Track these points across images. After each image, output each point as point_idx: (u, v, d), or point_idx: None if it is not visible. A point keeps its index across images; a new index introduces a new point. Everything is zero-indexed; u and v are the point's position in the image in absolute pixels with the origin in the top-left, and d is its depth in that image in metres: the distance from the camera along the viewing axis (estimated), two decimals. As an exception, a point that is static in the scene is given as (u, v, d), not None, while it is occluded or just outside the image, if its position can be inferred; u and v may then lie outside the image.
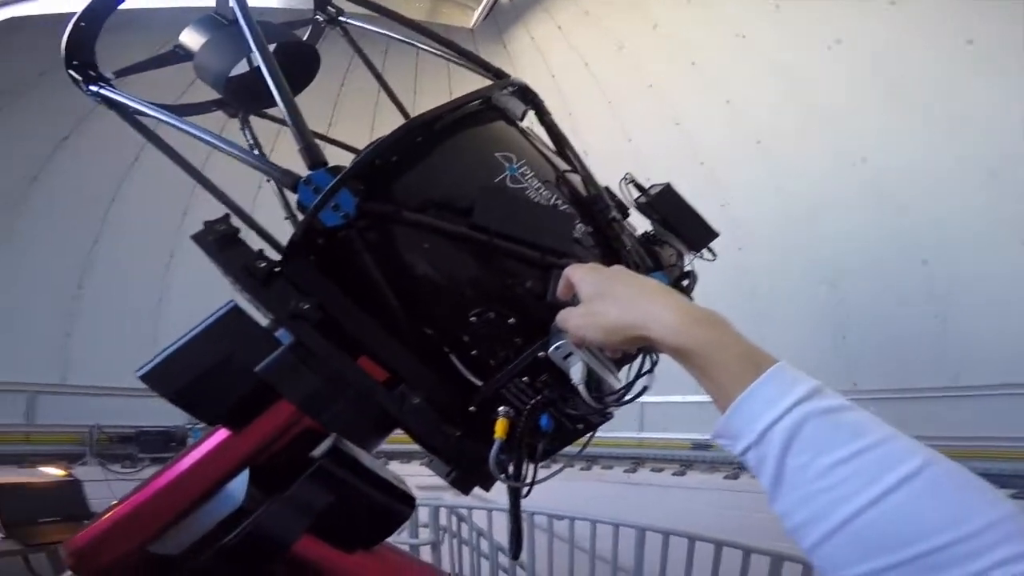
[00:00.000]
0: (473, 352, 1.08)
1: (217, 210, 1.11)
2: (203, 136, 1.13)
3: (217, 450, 1.12)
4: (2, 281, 6.76)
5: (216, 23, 1.43)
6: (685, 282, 1.37)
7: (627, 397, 0.98)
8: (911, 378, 6.00)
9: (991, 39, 4.90)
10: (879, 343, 6.29)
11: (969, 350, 5.59)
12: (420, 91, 7.70)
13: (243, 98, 1.49)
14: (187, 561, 1.00)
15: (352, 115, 7.16)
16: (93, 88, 1.32)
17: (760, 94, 6.59)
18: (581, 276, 0.90)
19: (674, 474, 6.88)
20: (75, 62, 1.36)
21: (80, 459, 7.02)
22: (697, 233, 1.40)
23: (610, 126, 7.66)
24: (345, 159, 1.11)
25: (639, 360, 1.05)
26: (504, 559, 5.12)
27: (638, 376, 1.03)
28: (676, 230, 1.38)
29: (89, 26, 1.35)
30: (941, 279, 5.72)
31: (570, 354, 0.93)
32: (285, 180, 1.04)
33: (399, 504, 1.14)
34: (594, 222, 1.17)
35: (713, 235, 1.43)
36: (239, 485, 1.07)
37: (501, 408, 1.00)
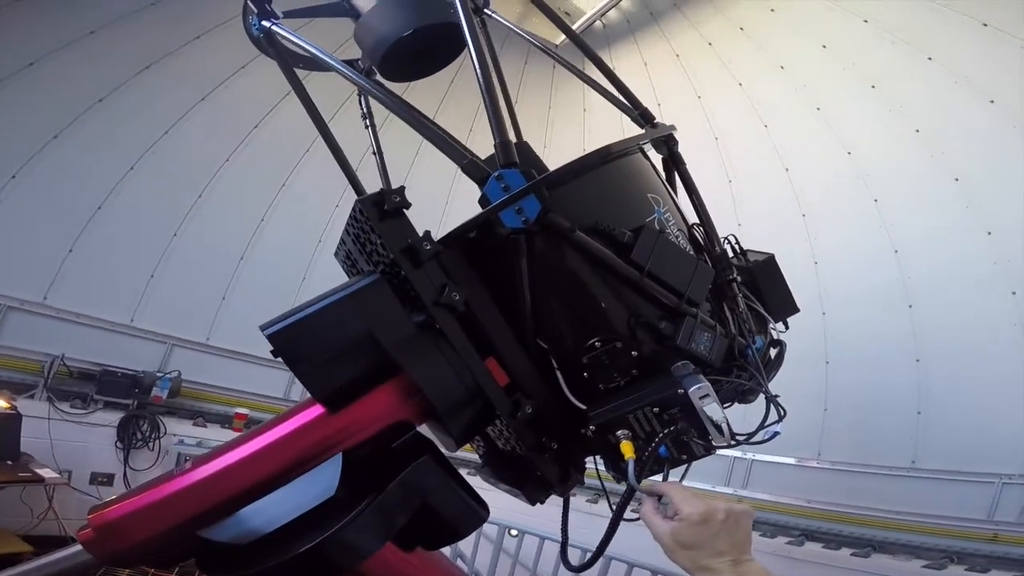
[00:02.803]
0: (585, 374, 1.10)
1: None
2: (371, 90, 1.11)
3: (307, 427, 1.06)
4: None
5: None
6: (774, 350, 1.41)
7: (757, 439, 1.08)
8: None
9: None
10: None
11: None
12: (554, 107, 7.72)
13: (391, 66, 1.46)
14: (255, 556, 0.91)
15: (456, 109, 6.90)
16: (265, 23, 1.30)
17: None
18: (689, 515, 0.91)
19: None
20: None
21: (30, 391, 6.32)
22: (783, 305, 1.48)
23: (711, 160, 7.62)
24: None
25: (766, 409, 1.12)
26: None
27: (763, 424, 1.11)
28: (764, 298, 1.43)
29: None
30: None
31: (706, 395, 0.98)
32: (473, 171, 1.02)
33: (480, 508, 1.10)
34: (716, 278, 1.21)
35: (795, 310, 1.52)
36: (329, 472, 1.01)
37: (620, 431, 1.02)
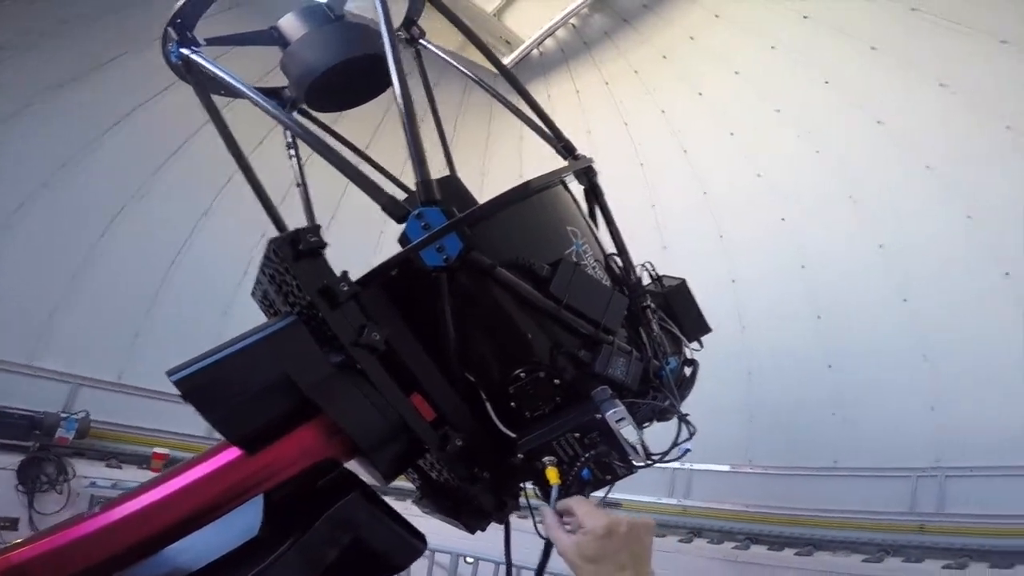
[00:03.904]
0: (512, 404, 1.13)
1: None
2: (291, 125, 1.11)
3: (224, 470, 1.03)
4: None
5: (323, 16, 1.41)
6: (688, 369, 1.50)
7: (670, 457, 1.13)
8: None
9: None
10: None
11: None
12: (492, 134, 7.76)
13: (317, 96, 1.45)
14: None
15: (393, 135, 6.73)
16: (184, 51, 1.26)
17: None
18: (593, 528, 0.92)
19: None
20: (179, 20, 1.33)
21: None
22: (696, 326, 1.58)
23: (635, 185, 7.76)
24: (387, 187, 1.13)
25: (678, 428, 1.19)
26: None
27: (675, 442, 1.18)
28: (679, 320, 1.54)
29: None
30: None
31: (622, 419, 1.04)
32: (393, 209, 1.03)
33: (416, 541, 1.09)
34: (631, 305, 1.27)
35: (708, 330, 1.62)
36: (251, 512, 0.98)
37: (546, 458, 1.06)
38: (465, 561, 5.05)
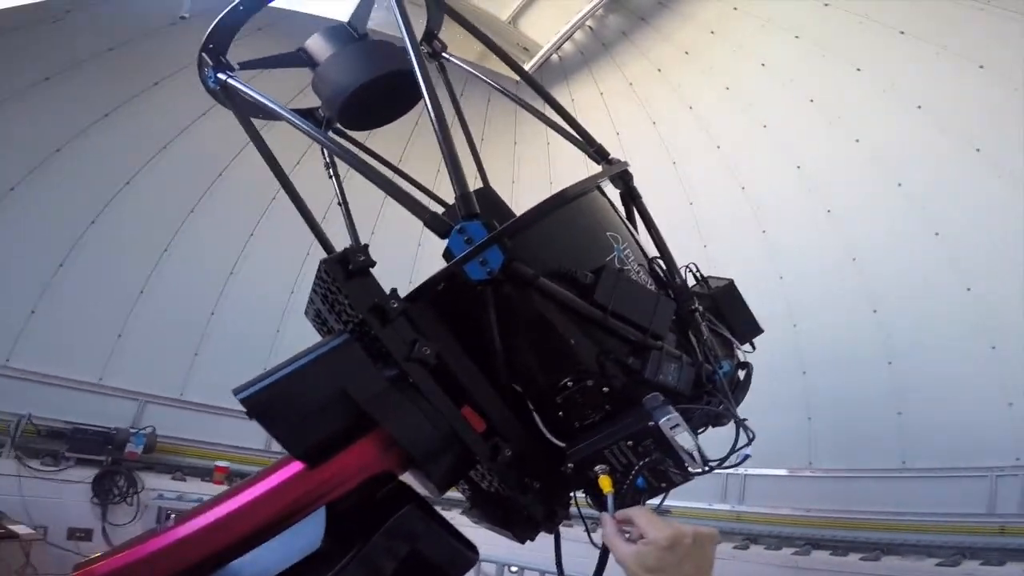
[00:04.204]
0: (560, 413, 1.12)
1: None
2: (329, 145, 1.15)
3: (288, 483, 1.07)
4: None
5: (346, 35, 1.45)
6: (742, 372, 1.46)
7: (729, 463, 1.11)
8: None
9: None
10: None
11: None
12: (520, 142, 7.82)
13: (350, 115, 1.49)
14: None
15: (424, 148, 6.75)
16: (221, 76, 1.32)
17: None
18: (656, 539, 0.90)
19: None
20: (211, 45, 1.37)
21: (-3, 450, 6.13)
22: (747, 328, 1.54)
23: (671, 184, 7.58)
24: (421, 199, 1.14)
25: (736, 433, 1.15)
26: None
27: (734, 448, 1.15)
28: (728, 322, 1.50)
29: (245, 12, 1.38)
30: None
31: (676, 425, 1.02)
32: (436, 225, 1.05)
33: (469, 552, 1.11)
34: (678, 309, 1.25)
35: (759, 331, 1.57)
36: (314, 525, 1.02)
37: (598, 466, 1.05)
38: (510, 571, 5.06)
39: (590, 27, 7.52)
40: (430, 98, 1.14)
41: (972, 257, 5.49)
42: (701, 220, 7.18)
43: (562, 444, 1.11)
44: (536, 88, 1.74)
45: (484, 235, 1.02)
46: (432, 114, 1.13)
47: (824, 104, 6.18)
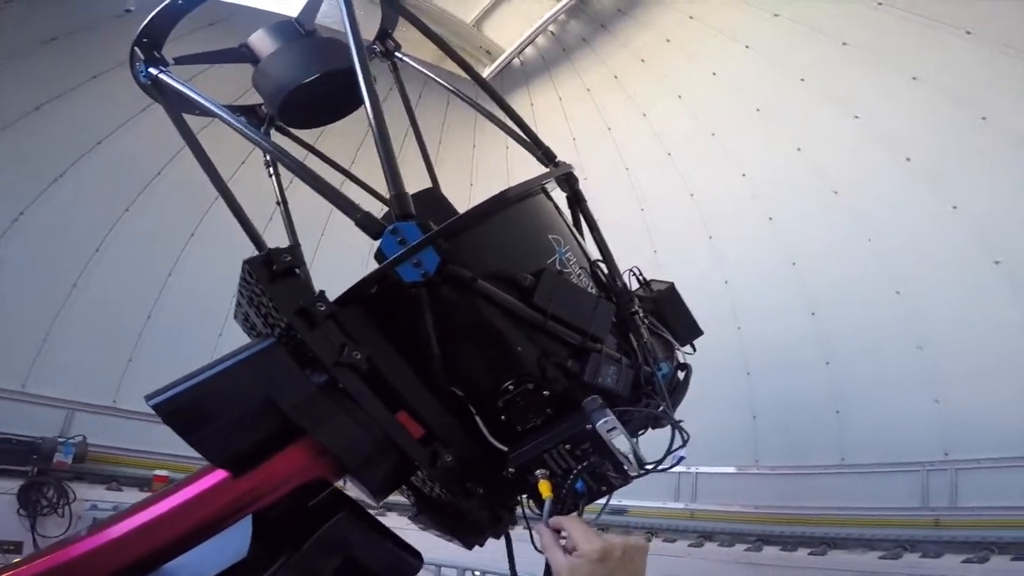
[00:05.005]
0: (503, 417, 1.11)
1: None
2: (262, 143, 1.09)
3: (210, 492, 1.01)
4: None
5: (293, 31, 1.39)
6: (682, 373, 1.49)
7: (664, 466, 1.10)
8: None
9: None
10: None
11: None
12: (479, 145, 7.70)
13: (292, 113, 1.43)
14: None
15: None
16: (152, 71, 1.25)
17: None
18: (587, 552, 0.89)
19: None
20: (145, 39, 1.31)
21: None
22: (688, 330, 1.56)
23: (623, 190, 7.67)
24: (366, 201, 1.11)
25: (671, 435, 1.15)
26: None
27: (669, 450, 1.13)
28: (670, 324, 1.52)
29: (184, 6, 1.32)
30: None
31: (613, 428, 1.02)
32: (367, 224, 1.01)
33: (412, 559, 1.08)
34: (619, 312, 1.26)
35: (699, 333, 1.60)
36: (240, 534, 0.97)
37: (538, 471, 1.03)
38: (474, 575, 5.03)
39: (552, 32, 7.59)
40: (369, 96, 1.11)
41: (901, 261, 5.79)
42: (652, 225, 7.34)
43: (505, 448, 1.09)
44: (486, 89, 1.72)
45: (418, 236, 0.99)
46: (370, 111, 1.10)
47: (770, 113, 6.41)
